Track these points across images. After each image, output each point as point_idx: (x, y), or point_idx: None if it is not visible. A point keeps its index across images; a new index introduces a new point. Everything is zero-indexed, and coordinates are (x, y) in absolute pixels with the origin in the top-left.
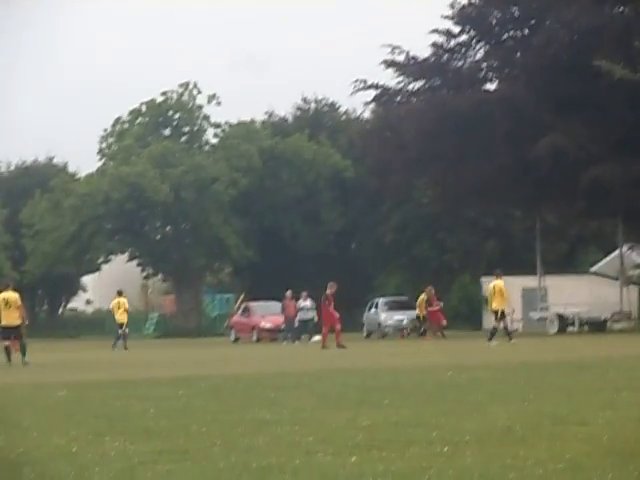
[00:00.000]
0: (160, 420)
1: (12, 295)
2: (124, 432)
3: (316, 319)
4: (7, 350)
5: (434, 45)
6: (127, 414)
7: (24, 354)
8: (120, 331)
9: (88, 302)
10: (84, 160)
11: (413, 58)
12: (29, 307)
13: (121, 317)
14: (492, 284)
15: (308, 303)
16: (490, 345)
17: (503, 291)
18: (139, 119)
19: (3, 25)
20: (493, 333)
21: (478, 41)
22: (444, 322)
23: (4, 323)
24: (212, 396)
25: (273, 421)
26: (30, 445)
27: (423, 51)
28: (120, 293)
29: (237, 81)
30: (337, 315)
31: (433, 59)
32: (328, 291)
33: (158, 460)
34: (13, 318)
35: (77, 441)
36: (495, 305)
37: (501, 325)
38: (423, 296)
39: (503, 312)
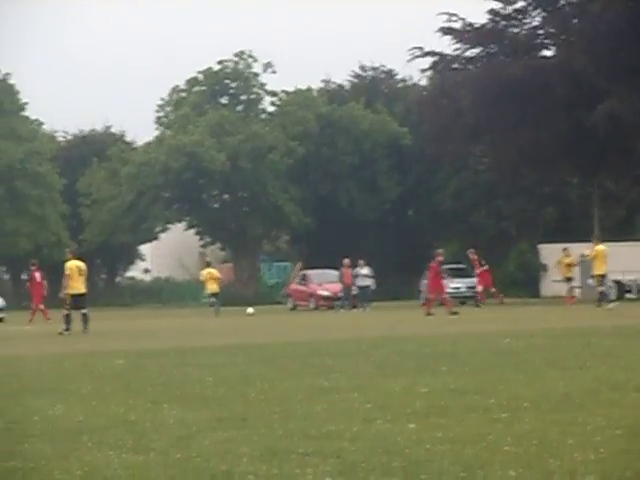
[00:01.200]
0: (218, 388)
1: (82, 263)
2: (182, 400)
3: (373, 287)
4: (68, 318)
5: (491, 12)
6: (185, 382)
7: (86, 323)
8: (212, 300)
9: (146, 271)
10: (141, 129)
11: (470, 25)
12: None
13: (212, 287)
14: (595, 248)
15: (365, 271)
16: (608, 308)
17: (604, 255)
18: (196, 88)
19: None
20: (604, 297)
21: (535, 8)
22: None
23: (76, 291)
24: (270, 364)
25: (331, 388)
26: (89, 413)
27: (480, 18)
28: (209, 264)
29: (293, 49)
30: (443, 285)
31: (490, 26)
32: (439, 259)
33: (216, 427)
34: (84, 286)
35: (135, 409)
36: (597, 270)
37: (601, 289)
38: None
39: (603, 276)
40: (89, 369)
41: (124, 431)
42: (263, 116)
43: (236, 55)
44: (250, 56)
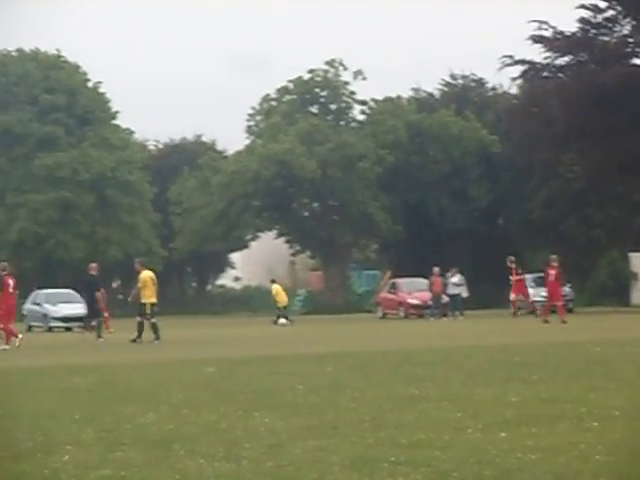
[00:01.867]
0: (309, 396)
1: (153, 274)
2: (273, 408)
3: (464, 295)
4: (142, 326)
5: (581, 20)
6: (276, 390)
7: (157, 332)
8: (279, 312)
9: (236, 279)
10: (232, 138)
11: (560, 33)
12: (177, 284)
13: (282, 300)
14: None
15: (455, 279)
16: None
17: None
18: (286, 97)
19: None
20: None
21: (625, 16)
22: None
23: (153, 300)
24: (360, 372)
25: (421, 397)
26: (180, 421)
27: (570, 26)
28: (274, 281)
29: (383, 57)
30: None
31: (580, 34)
32: (555, 264)
33: (307, 436)
34: (156, 296)
35: (226, 417)
36: None
37: None
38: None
39: None
40: (180, 377)
41: (215, 439)
42: (353, 124)
43: (326, 63)
44: (341, 64)
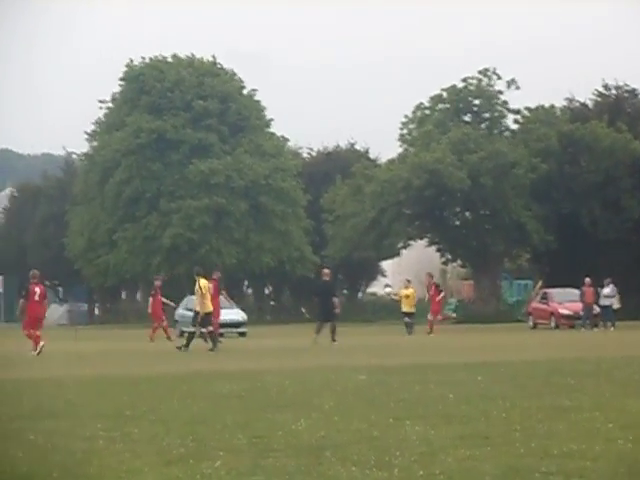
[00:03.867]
0: (459, 405)
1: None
2: (424, 417)
3: (616, 306)
4: (212, 335)
5: None
6: (426, 399)
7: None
8: (406, 320)
9: (387, 287)
10: (385, 146)
11: None
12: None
13: (407, 306)
14: None
15: (608, 290)
16: None
17: None
18: (440, 105)
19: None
20: None
21: None
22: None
23: (209, 309)
24: (511, 382)
25: (572, 407)
26: (331, 429)
27: None
28: (409, 281)
29: (536, 67)
30: None
31: None
32: None
33: (459, 445)
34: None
35: (378, 425)
36: None
37: None
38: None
39: None
40: (332, 384)
41: (367, 447)
42: (506, 133)
43: (480, 72)
44: (494, 73)
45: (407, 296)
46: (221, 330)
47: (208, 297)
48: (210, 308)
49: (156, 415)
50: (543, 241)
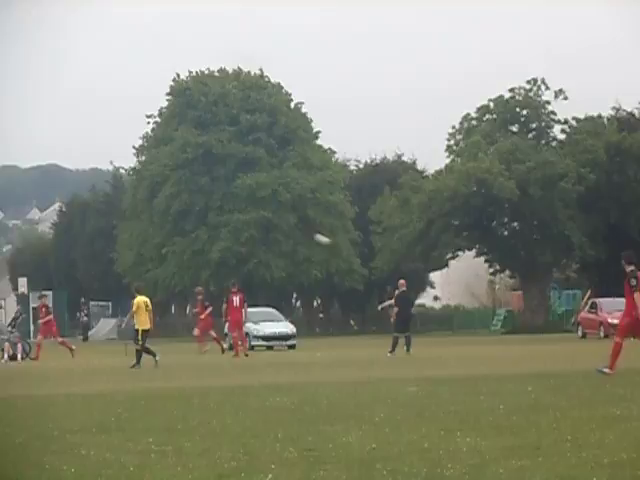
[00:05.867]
0: (510, 416)
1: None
2: (475, 428)
3: None
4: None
5: None
6: (477, 410)
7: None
8: None
9: (436, 298)
10: (432, 157)
11: None
12: (379, 303)
13: None
14: None
15: None
16: None
17: None
18: (487, 116)
19: None
20: None
21: None
22: None
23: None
24: (561, 392)
25: (623, 417)
26: (382, 441)
27: None
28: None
29: (583, 76)
30: None
31: None
32: None
33: (509, 456)
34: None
35: (428, 437)
36: None
37: None
38: None
39: None
40: (382, 396)
41: (417, 459)
42: (553, 144)
43: (528, 83)
44: (542, 83)
45: None
46: (270, 343)
47: (140, 314)
48: (145, 326)
49: (207, 428)
50: (591, 251)
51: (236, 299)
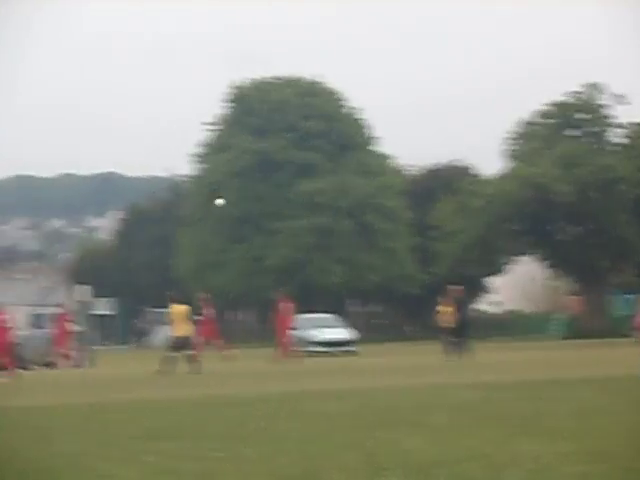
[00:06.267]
0: (571, 421)
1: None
2: (536, 433)
3: None
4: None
5: None
6: (538, 415)
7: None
8: None
9: (495, 304)
10: (490, 162)
11: None
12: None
13: None
14: None
15: None
16: None
17: None
18: (545, 120)
19: None
20: None
21: None
22: None
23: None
24: (622, 396)
25: None
26: (442, 446)
27: None
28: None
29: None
30: None
31: None
32: None
33: (571, 461)
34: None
35: (489, 442)
36: None
37: None
38: None
39: None
40: (441, 401)
41: (478, 464)
42: (612, 148)
43: (588, 86)
44: (603, 87)
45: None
46: (329, 349)
47: (177, 322)
48: (182, 332)
49: (266, 435)
50: None
51: (285, 306)
